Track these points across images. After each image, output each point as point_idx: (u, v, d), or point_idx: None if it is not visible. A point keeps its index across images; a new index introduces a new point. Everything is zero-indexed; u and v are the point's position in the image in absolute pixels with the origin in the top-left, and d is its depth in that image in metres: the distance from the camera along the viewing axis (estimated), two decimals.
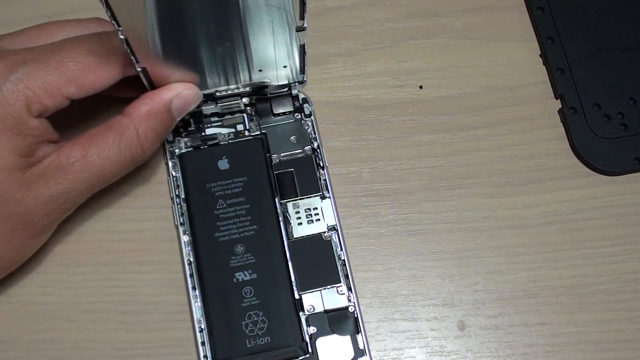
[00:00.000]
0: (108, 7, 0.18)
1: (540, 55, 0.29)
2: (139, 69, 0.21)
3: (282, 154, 0.25)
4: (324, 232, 0.24)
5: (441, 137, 0.27)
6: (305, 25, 0.20)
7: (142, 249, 0.25)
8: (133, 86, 0.23)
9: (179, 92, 0.22)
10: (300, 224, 0.24)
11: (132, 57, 0.20)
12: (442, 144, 0.27)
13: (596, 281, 0.25)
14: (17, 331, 0.24)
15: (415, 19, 0.29)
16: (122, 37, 0.19)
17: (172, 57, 0.21)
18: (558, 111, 0.28)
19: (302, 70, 0.23)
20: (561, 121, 0.28)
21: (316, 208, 0.25)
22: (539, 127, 0.28)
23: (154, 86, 0.22)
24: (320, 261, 0.24)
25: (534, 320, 0.25)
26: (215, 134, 0.26)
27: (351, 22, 0.29)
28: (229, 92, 0.25)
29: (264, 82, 0.24)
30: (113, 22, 0.18)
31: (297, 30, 0.20)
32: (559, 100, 0.28)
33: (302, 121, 0.26)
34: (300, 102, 0.26)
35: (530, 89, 0.28)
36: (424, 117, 0.28)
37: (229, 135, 0.26)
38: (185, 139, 0.26)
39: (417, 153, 0.27)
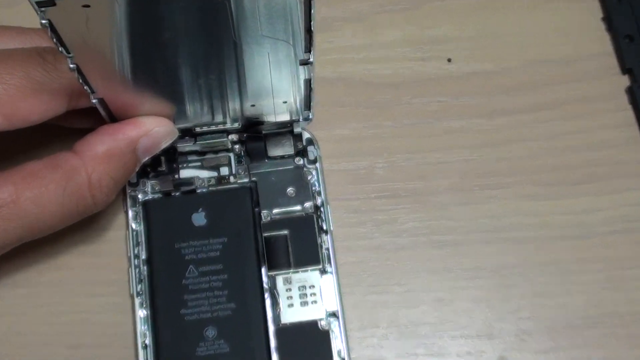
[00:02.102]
0: (53, 31, 0.17)
1: (602, 19, 0.29)
2: (94, 100, 0.20)
3: (274, 211, 0.25)
4: (321, 320, 0.24)
5: (475, 124, 0.27)
6: (311, 59, 0.20)
7: (97, 265, 0.25)
8: (87, 115, 0.22)
9: (148, 129, 0.22)
10: (291, 305, 0.24)
11: (85, 87, 0.20)
12: (476, 132, 0.27)
13: None
14: None
15: None
16: (72, 65, 0.18)
17: (141, 86, 0.21)
18: (626, 90, 0.28)
19: (308, 106, 0.23)
20: (630, 103, 0.28)
21: (313, 286, 0.24)
22: (601, 110, 0.27)
23: (114, 117, 0.22)
24: (313, 357, 0.23)
25: (595, 357, 0.24)
26: (192, 177, 0.25)
27: None
28: (213, 128, 0.24)
29: (258, 118, 0.24)
30: (61, 48, 0.18)
31: (301, 64, 0.20)
32: (626, 75, 0.28)
33: (305, 168, 0.25)
34: (304, 143, 0.26)
35: (589, 62, 0.28)
36: (453, 98, 0.27)
37: (210, 181, 0.25)
38: (153, 182, 0.25)
39: (445, 143, 0.27)
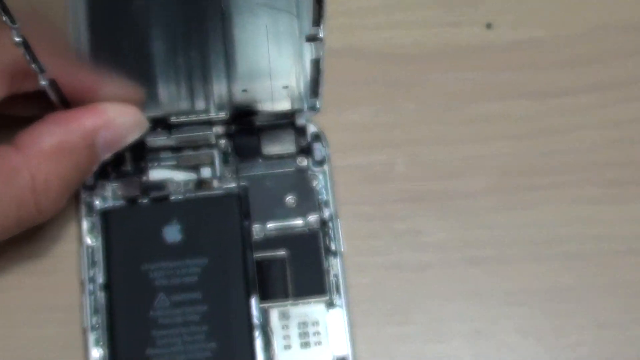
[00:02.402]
0: None
1: None
2: (43, 82, 0.19)
3: (269, 225, 0.23)
4: None
5: (520, 107, 0.25)
6: (320, 35, 0.19)
7: (41, 288, 0.23)
8: (33, 100, 0.21)
9: (111, 118, 0.21)
10: (288, 347, 0.22)
11: (33, 65, 0.19)
12: (522, 117, 0.25)
13: None
14: None
15: None
16: (18, 39, 0.17)
17: (103, 64, 0.20)
18: None
19: (315, 92, 0.22)
20: None
21: (317, 323, 0.22)
22: None
23: (68, 103, 0.21)
24: None
25: None
26: (164, 180, 0.23)
27: None
28: (193, 118, 0.23)
29: (251, 107, 0.23)
30: (5, 17, 0.17)
31: (307, 40, 0.19)
32: None
33: (310, 172, 0.24)
34: (309, 138, 0.24)
35: None
36: (493, 74, 0.26)
37: (187, 185, 0.23)
38: (115, 185, 0.23)
39: (482, 132, 0.25)
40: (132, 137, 0.22)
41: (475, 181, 0.24)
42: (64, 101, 0.21)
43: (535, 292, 0.23)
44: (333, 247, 0.23)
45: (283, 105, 0.23)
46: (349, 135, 0.24)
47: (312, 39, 0.19)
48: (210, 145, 0.24)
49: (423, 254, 0.23)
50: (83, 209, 0.23)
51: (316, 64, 0.20)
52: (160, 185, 0.24)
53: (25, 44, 0.18)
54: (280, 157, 0.24)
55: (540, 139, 0.25)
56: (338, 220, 0.23)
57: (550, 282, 0.23)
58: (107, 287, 0.22)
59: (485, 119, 0.25)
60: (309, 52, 0.20)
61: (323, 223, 0.23)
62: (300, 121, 0.24)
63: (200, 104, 0.23)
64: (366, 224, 0.24)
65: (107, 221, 0.23)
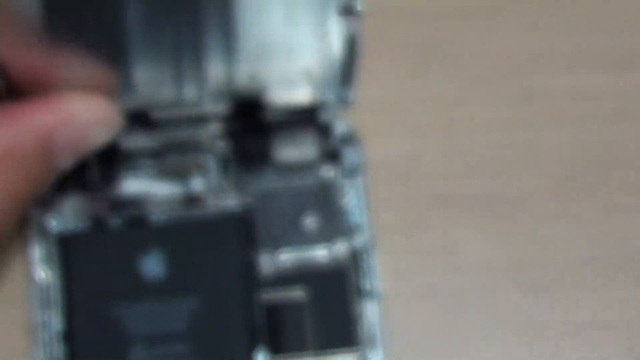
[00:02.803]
0: None
1: None
2: None
3: (283, 257, 0.21)
4: None
5: (596, 81, 0.22)
6: (358, 7, 0.18)
7: None
8: None
9: (72, 113, 0.19)
10: None
11: None
12: (598, 95, 0.22)
13: None
14: None
15: None
16: None
17: (63, 40, 0.18)
18: None
19: (348, 79, 0.20)
20: None
21: None
22: None
23: (16, 93, 0.20)
24: None
25: None
26: (142, 194, 0.21)
27: None
28: (181, 112, 0.21)
29: (259, 98, 0.21)
30: None
31: (340, 14, 0.18)
32: None
33: (338, 184, 0.22)
34: (337, 140, 0.21)
35: None
36: (558, 37, 0.22)
37: (172, 202, 0.21)
38: (76, 201, 0.21)
39: (541, 114, 0.22)
40: (100, 138, 0.20)
41: (532, 180, 0.21)
42: (12, 91, 0.19)
43: (613, 326, 0.20)
44: (367, 286, 0.20)
45: (302, 95, 0.21)
46: (362, 117, 0.21)
47: (347, 11, 0.17)
48: (203, 149, 0.22)
49: (462, 276, 0.21)
50: (35, 234, 0.21)
51: (351, 43, 0.18)
52: (136, 201, 0.21)
53: None
54: (298, 165, 0.22)
55: (622, 124, 0.21)
56: (372, 254, 0.21)
57: (632, 311, 0.20)
58: (67, 336, 0.20)
59: (546, 97, 0.21)
60: (341, 28, 0.18)
61: (355, 256, 0.21)
62: (325, 116, 0.22)
63: (191, 93, 0.21)
64: (385, 237, 0.21)
65: (67, 249, 0.21)
